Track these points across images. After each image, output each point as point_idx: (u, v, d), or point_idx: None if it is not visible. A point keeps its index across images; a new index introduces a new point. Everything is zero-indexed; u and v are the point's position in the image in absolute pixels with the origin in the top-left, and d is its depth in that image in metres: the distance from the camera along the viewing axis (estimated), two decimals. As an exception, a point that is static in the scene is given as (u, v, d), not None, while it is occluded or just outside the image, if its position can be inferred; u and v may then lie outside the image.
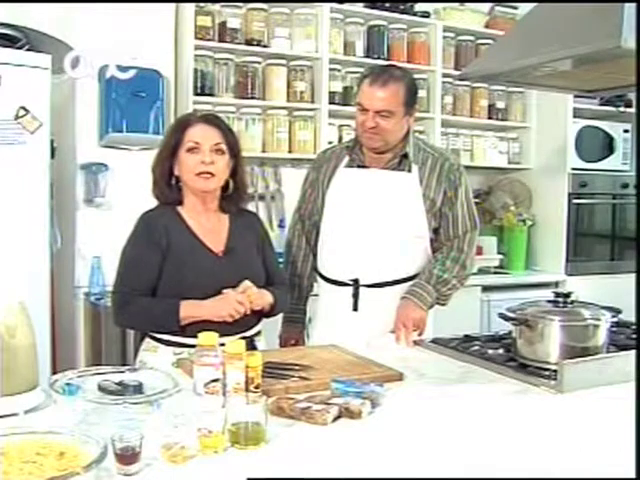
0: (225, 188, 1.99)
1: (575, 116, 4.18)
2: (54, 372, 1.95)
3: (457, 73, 3.79)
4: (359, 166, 2.29)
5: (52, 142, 2.96)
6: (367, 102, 2.15)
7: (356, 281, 2.24)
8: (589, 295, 2.30)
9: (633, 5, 1.73)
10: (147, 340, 1.97)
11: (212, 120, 1.96)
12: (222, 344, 1.50)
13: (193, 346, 1.70)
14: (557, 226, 4.21)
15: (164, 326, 1.88)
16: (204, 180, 1.91)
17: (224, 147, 1.93)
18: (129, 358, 2.78)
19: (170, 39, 3.41)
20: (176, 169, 1.95)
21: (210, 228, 1.97)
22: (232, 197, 2.01)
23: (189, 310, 1.85)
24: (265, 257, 2.07)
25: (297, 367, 1.75)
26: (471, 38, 4.20)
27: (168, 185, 1.96)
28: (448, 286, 2.25)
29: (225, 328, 1.78)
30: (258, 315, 2.02)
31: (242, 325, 1.94)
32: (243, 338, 1.83)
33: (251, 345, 1.92)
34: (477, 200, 4.11)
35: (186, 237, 1.94)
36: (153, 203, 2.01)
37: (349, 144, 2.34)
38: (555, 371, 1.70)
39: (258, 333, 2.03)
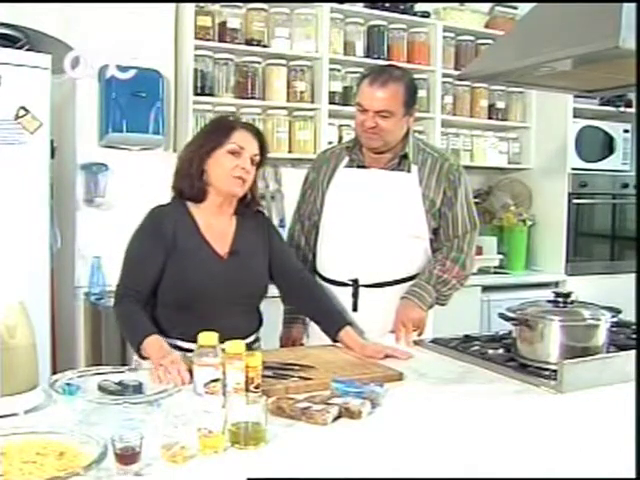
0: (243, 196, 2.00)
1: (575, 116, 4.18)
2: (54, 372, 1.94)
3: (457, 73, 3.78)
4: (359, 166, 2.29)
5: (52, 142, 2.96)
6: (367, 102, 2.15)
7: (355, 281, 2.24)
8: (589, 295, 2.30)
9: (632, 5, 1.73)
10: None
11: (254, 130, 1.99)
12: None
13: (190, 350, 1.71)
14: (557, 226, 4.21)
15: (131, 343, 1.88)
16: (237, 185, 1.92)
17: (258, 159, 1.96)
18: (129, 358, 2.78)
19: (170, 39, 3.41)
20: (207, 165, 1.93)
21: (218, 229, 1.97)
22: (249, 205, 2.03)
23: (149, 346, 1.78)
24: (275, 254, 2.07)
25: (297, 367, 1.75)
26: (471, 38, 4.20)
27: (200, 180, 1.94)
28: (448, 286, 2.25)
29: (223, 333, 1.77)
30: (258, 321, 2.04)
31: (241, 331, 1.93)
32: None
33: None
34: (477, 200, 4.11)
35: (193, 237, 1.93)
36: (153, 202, 2.01)
37: (349, 144, 2.34)
38: (555, 371, 1.70)
39: (257, 340, 2.02)
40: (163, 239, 1.90)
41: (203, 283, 1.89)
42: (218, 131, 1.95)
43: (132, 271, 1.93)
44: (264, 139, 2.00)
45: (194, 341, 1.49)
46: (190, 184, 1.94)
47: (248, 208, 2.04)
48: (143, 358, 1.81)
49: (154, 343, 1.77)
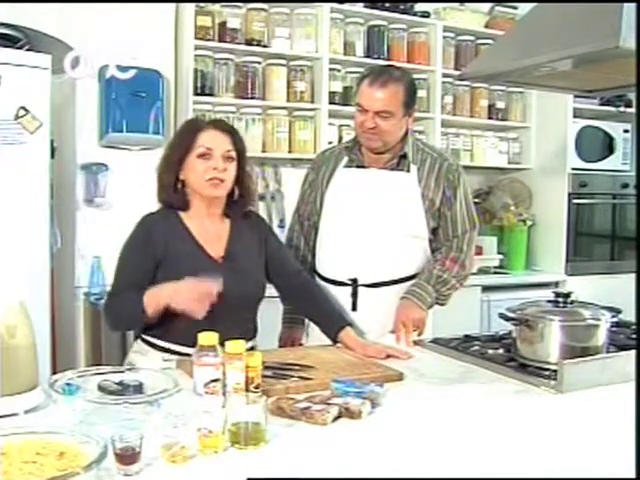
0: (231, 194, 1.97)
1: (575, 116, 4.18)
2: (54, 372, 1.94)
3: (457, 73, 3.79)
4: (358, 166, 2.29)
5: (52, 142, 2.96)
6: (366, 103, 2.15)
7: (355, 281, 2.24)
8: (589, 295, 2.30)
9: (632, 5, 1.73)
10: (139, 342, 1.97)
11: (223, 126, 1.94)
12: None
13: (184, 354, 1.70)
14: (557, 226, 4.21)
15: (131, 317, 1.88)
16: (214, 187, 1.89)
17: (234, 154, 1.92)
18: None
19: (170, 39, 3.41)
20: (182, 174, 1.91)
21: (211, 232, 1.95)
22: (237, 203, 2.00)
23: (150, 296, 1.79)
24: (272, 255, 2.06)
25: (297, 367, 1.75)
26: (471, 38, 4.20)
27: (175, 190, 1.93)
28: (447, 286, 2.25)
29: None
30: (253, 330, 2.02)
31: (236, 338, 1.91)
32: None
33: None
34: (477, 200, 4.12)
35: (186, 243, 1.91)
36: (153, 203, 2.00)
37: (348, 144, 2.34)
38: (555, 371, 1.70)
39: (253, 348, 1.97)
40: (153, 248, 1.88)
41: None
42: (184, 137, 1.92)
43: (122, 280, 1.92)
44: (236, 132, 1.96)
45: (190, 345, 1.48)
46: (168, 196, 1.93)
47: (238, 206, 2.00)
48: (178, 334, 1.82)
49: (150, 293, 1.78)
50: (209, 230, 1.95)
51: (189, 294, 1.75)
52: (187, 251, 1.91)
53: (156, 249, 1.89)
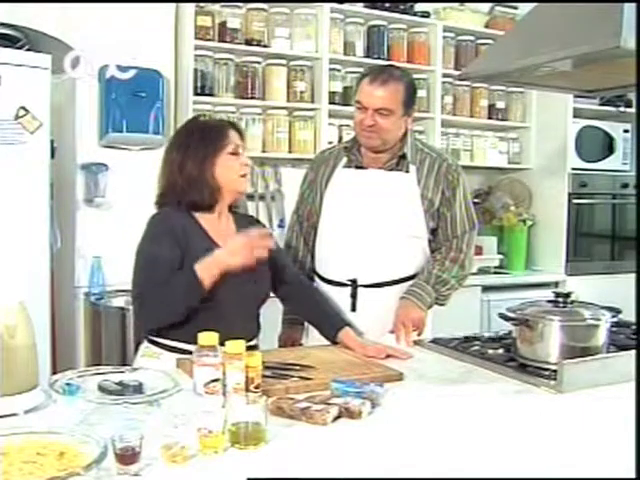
0: None
1: (575, 116, 4.18)
2: (54, 372, 1.94)
3: (457, 73, 3.79)
4: (357, 167, 2.29)
5: (52, 142, 2.96)
6: (366, 100, 2.15)
7: (354, 281, 2.23)
8: (589, 295, 2.30)
9: (633, 5, 1.73)
10: (146, 345, 1.94)
11: (236, 126, 2.01)
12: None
13: (190, 352, 1.69)
14: (557, 226, 4.21)
15: (190, 300, 1.80)
16: (244, 182, 1.96)
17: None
18: (129, 358, 2.78)
19: (170, 39, 3.41)
20: (214, 171, 1.90)
21: (222, 231, 1.95)
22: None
23: (205, 269, 1.79)
24: (272, 258, 2.03)
25: (297, 367, 1.75)
26: (471, 38, 4.20)
27: (209, 188, 1.91)
28: (447, 286, 2.25)
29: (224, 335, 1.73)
30: (257, 327, 2.02)
31: (242, 336, 1.90)
32: None
33: None
34: (477, 200, 4.13)
35: (204, 241, 1.90)
36: (153, 203, 1.99)
37: (347, 144, 2.34)
38: (555, 371, 1.70)
39: (256, 346, 1.97)
40: (177, 239, 1.85)
41: (216, 287, 1.81)
42: (216, 136, 1.92)
43: (148, 275, 1.83)
44: (240, 129, 2.02)
45: (194, 342, 1.48)
46: (210, 193, 1.91)
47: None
48: (157, 330, 1.87)
49: (203, 265, 1.79)
50: (220, 229, 1.95)
51: (245, 251, 1.80)
52: (206, 249, 1.85)
53: (179, 239, 1.86)
